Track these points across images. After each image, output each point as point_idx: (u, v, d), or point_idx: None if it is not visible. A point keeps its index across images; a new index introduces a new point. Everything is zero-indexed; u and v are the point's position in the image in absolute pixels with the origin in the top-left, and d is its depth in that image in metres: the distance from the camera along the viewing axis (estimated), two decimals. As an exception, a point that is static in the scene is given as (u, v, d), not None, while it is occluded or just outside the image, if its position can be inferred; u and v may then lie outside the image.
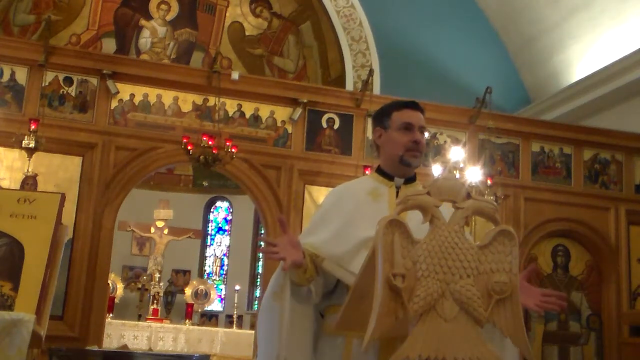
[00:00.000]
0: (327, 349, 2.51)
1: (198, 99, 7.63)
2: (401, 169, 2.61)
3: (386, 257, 1.57)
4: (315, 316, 2.58)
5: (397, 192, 2.59)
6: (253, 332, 9.31)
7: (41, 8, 10.46)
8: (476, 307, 1.60)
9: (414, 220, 2.10)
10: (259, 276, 12.40)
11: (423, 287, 1.57)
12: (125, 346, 8.28)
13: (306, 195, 7.59)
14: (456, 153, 7.45)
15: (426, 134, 2.68)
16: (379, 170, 2.67)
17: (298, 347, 2.46)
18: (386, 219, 1.61)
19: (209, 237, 13.33)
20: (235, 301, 11.08)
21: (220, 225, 13.35)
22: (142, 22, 11.23)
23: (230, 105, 7.72)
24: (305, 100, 7.75)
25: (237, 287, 11.34)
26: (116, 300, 10.72)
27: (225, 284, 12.91)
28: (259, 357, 2.53)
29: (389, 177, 2.63)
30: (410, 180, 2.64)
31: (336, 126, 7.88)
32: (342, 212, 2.57)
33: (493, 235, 1.70)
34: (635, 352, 7.93)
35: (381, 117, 2.66)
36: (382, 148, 2.65)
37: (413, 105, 2.64)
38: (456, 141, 8.08)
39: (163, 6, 11.26)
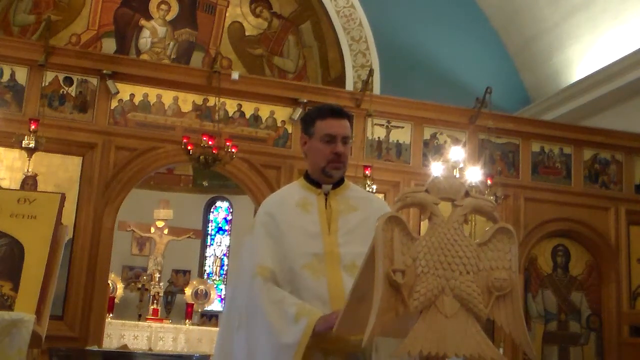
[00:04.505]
0: None
1: (198, 99, 7.63)
2: (326, 177, 2.58)
3: (386, 253, 1.56)
4: None
5: (326, 199, 2.56)
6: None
7: (41, 8, 10.44)
8: (476, 303, 1.60)
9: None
10: (258, 276, 12.35)
11: (423, 284, 1.57)
12: (125, 346, 8.28)
13: (306, 196, 7.57)
14: (456, 153, 7.45)
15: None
16: (307, 177, 2.63)
17: None
18: (385, 216, 1.61)
19: (209, 237, 13.32)
20: (235, 301, 11.05)
21: (220, 225, 13.34)
22: (142, 22, 11.22)
23: (230, 105, 7.72)
24: (305, 100, 7.75)
25: (237, 287, 11.31)
26: (116, 300, 10.72)
27: (225, 284, 12.89)
28: None
29: (316, 184, 2.59)
30: (338, 184, 2.60)
31: (336, 126, 7.86)
32: (276, 230, 2.49)
33: (492, 232, 1.70)
34: (635, 352, 7.93)
35: (306, 124, 2.61)
36: (307, 155, 2.61)
37: (338, 114, 2.56)
38: (456, 141, 8.07)
39: (163, 6, 11.25)
